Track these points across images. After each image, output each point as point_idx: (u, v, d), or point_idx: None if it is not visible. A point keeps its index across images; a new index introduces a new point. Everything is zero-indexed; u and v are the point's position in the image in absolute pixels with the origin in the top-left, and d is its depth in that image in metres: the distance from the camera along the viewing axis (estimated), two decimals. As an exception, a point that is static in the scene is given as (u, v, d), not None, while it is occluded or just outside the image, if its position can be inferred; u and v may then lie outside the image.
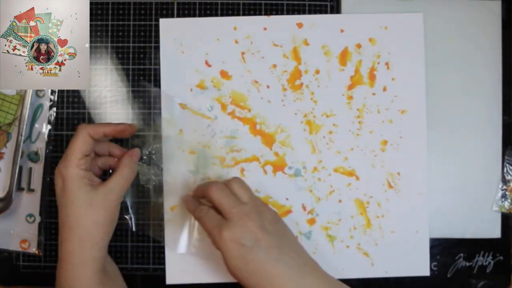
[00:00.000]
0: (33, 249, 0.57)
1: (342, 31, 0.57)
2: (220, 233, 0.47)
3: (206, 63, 0.57)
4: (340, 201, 0.57)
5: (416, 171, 0.57)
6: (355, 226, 0.57)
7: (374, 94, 0.57)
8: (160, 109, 0.57)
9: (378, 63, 0.57)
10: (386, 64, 0.57)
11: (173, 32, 0.57)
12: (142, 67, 0.57)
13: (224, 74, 0.57)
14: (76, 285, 0.48)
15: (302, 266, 0.48)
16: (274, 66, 0.57)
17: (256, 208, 0.49)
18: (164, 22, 0.57)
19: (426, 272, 0.57)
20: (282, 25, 0.57)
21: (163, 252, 0.57)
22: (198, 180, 0.57)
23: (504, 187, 0.57)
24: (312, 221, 0.57)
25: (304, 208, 0.57)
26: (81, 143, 0.49)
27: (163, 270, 0.57)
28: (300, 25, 0.57)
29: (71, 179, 0.48)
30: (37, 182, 0.57)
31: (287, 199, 0.57)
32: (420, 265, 0.57)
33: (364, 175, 0.57)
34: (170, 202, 0.57)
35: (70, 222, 0.48)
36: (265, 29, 0.57)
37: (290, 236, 0.51)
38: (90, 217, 0.48)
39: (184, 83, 0.57)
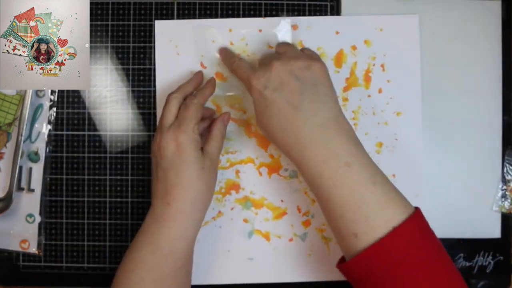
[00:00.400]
0: (33, 249, 0.57)
1: (337, 33, 0.57)
2: (249, 80, 0.49)
3: (202, 64, 0.57)
4: (335, 202, 0.57)
5: (412, 173, 0.57)
6: (351, 227, 0.57)
7: (369, 96, 0.57)
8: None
9: (374, 65, 0.57)
10: (382, 66, 0.57)
11: (169, 34, 0.57)
12: (142, 67, 0.58)
13: (220, 76, 0.57)
14: (179, 245, 0.49)
15: (323, 117, 0.46)
16: (270, 68, 0.57)
17: (288, 54, 0.49)
18: (159, 24, 0.57)
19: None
20: (278, 27, 0.57)
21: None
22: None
23: (504, 187, 0.57)
24: (307, 223, 0.57)
25: (299, 210, 0.57)
26: (196, 110, 0.50)
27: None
28: (295, 27, 0.57)
29: (188, 143, 0.49)
30: (37, 182, 0.57)
31: (282, 201, 0.57)
32: None
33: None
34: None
35: (183, 184, 0.48)
36: (260, 31, 0.57)
37: (323, 88, 0.48)
38: (203, 179, 0.49)
39: (179, 84, 0.57)
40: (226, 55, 0.56)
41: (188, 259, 0.51)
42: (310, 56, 0.50)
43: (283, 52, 0.51)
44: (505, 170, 0.57)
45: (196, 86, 0.54)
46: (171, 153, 0.49)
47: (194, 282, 0.56)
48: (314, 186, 0.47)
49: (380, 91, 0.57)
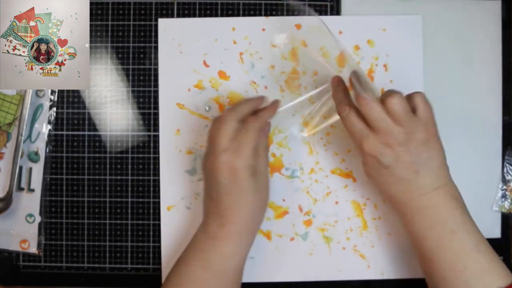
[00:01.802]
0: (33, 249, 0.57)
1: (340, 32, 0.57)
2: (361, 142, 0.48)
3: (204, 63, 0.57)
4: (336, 202, 0.57)
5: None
6: (352, 227, 0.57)
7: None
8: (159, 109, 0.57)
9: (376, 65, 0.57)
10: (384, 66, 0.57)
11: (172, 32, 0.57)
12: (142, 67, 0.58)
13: (222, 75, 0.57)
14: (231, 263, 0.50)
15: (433, 187, 0.47)
16: (272, 67, 0.57)
17: (407, 129, 0.46)
18: (162, 22, 0.57)
19: (422, 275, 0.57)
20: (281, 26, 0.57)
21: (163, 252, 0.57)
22: (195, 181, 0.57)
23: (504, 187, 0.57)
24: (308, 223, 0.57)
25: (300, 209, 0.57)
26: (254, 135, 0.49)
27: (163, 270, 0.57)
28: (298, 26, 0.57)
29: (245, 170, 0.48)
30: (37, 182, 0.57)
31: (283, 200, 0.57)
32: (416, 268, 0.56)
33: (361, 177, 0.57)
34: (167, 202, 0.57)
35: (239, 208, 0.49)
36: (263, 30, 0.57)
37: (436, 161, 0.48)
38: (257, 203, 0.50)
39: (182, 83, 0.57)
40: (340, 93, 0.51)
41: (239, 276, 0.51)
42: (425, 123, 0.47)
43: (399, 123, 0.46)
44: (505, 170, 0.58)
45: (254, 108, 0.52)
46: (226, 179, 0.48)
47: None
48: (419, 247, 0.49)
49: (382, 91, 0.57)
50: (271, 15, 0.57)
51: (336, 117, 0.57)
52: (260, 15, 0.58)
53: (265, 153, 0.51)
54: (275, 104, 0.52)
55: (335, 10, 0.58)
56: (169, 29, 0.57)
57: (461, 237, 0.47)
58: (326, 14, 0.58)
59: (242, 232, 0.49)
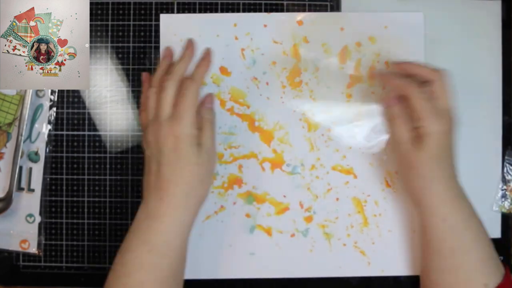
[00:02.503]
0: (33, 249, 0.57)
1: (342, 29, 0.57)
2: (432, 116, 0.49)
3: (206, 59, 0.57)
4: (337, 199, 0.57)
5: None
6: (352, 224, 0.57)
7: (373, 92, 0.57)
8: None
9: (378, 61, 0.57)
10: (386, 63, 0.57)
11: (173, 28, 0.57)
12: (142, 67, 0.58)
13: (224, 71, 0.57)
14: (175, 243, 0.48)
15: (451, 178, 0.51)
16: (274, 63, 0.57)
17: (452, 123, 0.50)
18: (164, 18, 0.57)
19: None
20: (282, 22, 0.57)
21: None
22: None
23: (504, 187, 0.57)
24: (309, 219, 0.57)
25: (301, 205, 0.57)
26: (193, 99, 0.48)
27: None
28: (300, 23, 0.57)
29: (185, 139, 0.47)
30: (37, 182, 0.57)
31: (284, 196, 0.57)
32: (417, 265, 0.57)
33: (362, 174, 0.57)
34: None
35: (178, 180, 0.48)
36: (265, 26, 0.57)
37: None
38: (199, 176, 0.48)
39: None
40: (396, 78, 0.52)
41: (184, 257, 0.50)
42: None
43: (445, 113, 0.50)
44: (505, 170, 0.58)
45: (190, 62, 0.50)
46: (168, 148, 0.47)
47: (195, 276, 0.56)
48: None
49: (384, 88, 0.57)
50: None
51: (337, 114, 0.57)
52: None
53: (210, 127, 0.50)
54: (207, 55, 0.51)
55: (335, 9, 0.58)
56: (171, 25, 0.57)
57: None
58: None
59: (182, 207, 0.48)
